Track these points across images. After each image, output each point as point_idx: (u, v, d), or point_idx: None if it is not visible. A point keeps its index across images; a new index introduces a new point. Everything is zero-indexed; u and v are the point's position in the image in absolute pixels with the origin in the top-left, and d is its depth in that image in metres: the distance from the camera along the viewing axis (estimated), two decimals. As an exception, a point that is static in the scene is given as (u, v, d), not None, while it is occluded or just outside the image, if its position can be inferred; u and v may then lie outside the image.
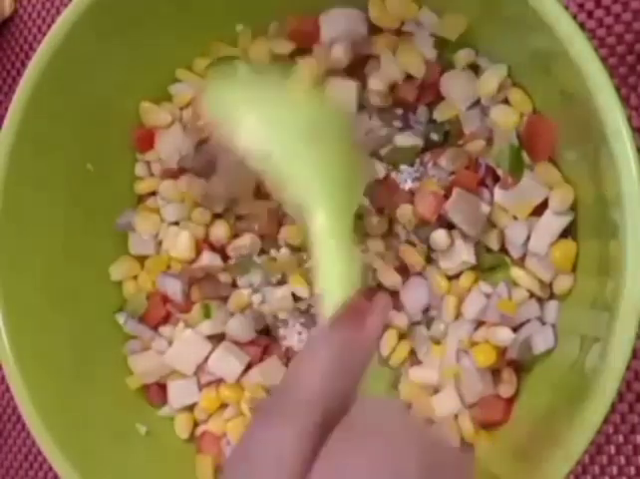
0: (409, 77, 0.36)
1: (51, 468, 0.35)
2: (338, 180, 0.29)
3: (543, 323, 0.34)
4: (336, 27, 0.36)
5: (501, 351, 0.34)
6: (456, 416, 0.35)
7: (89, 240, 0.40)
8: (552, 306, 0.34)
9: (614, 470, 0.35)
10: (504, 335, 0.33)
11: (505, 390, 0.34)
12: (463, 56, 0.35)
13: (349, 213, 0.29)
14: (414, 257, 0.36)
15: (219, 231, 0.39)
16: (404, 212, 0.36)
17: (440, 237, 0.35)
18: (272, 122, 0.29)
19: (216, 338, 0.39)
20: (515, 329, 0.34)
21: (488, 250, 0.36)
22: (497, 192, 0.34)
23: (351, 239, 0.28)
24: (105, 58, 0.38)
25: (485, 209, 0.35)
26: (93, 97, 0.38)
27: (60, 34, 0.35)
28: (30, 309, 0.37)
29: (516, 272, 0.35)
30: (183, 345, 0.39)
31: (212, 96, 0.31)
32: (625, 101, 0.36)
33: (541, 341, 0.33)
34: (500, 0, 0.31)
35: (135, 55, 0.39)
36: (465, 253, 0.35)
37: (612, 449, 0.35)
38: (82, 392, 0.38)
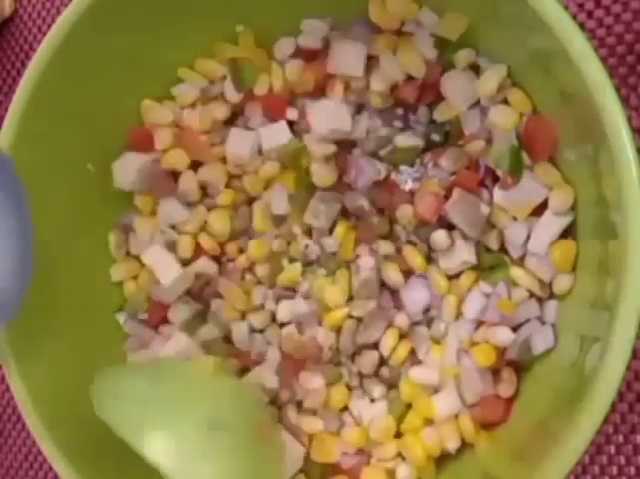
0: (409, 77, 0.36)
1: (51, 468, 0.35)
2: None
3: (543, 323, 0.34)
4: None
5: (502, 352, 0.34)
6: (455, 416, 0.35)
7: (89, 240, 0.40)
8: (552, 306, 0.34)
9: (614, 470, 0.35)
10: (505, 336, 0.33)
11: (505, 390, 0.34)
12: (463, 56, 0.35)
13: None
14: (414, 258, 0.36)
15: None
16: (404, 212, 0.36)
17: (439, 237, 0.35)
18: (173, 427, 0.29)
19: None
20: (515, 329, 0.34)
21: (488, 251, 0.36)
22: (497, 192, 0.34)
23: None
24: (105, 58, 0.38)
25: (485, 209, 0.35)
26: (93, 97, 0.38)
27: (60, 34, 0.35)
28: (30, 309, 0.37)
29: (516, 272, 0.35)
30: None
31: (106, 402, 0.31)
32: (625, 101, 0.36)
33: (541, 342, 0.33)
34: (500, 0, 0.31)
35: (136, 55, 0.38)
36: (465, 254, 0.35)
37: (612, 449, 0.35)
38: (82, 392, 0.37)
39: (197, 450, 0.28)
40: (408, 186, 0.37)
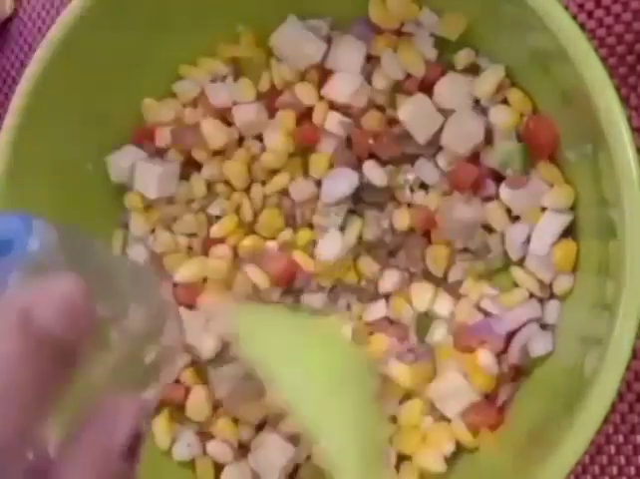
0: (409, 76, 0.36)
1: (51, 468, 0.35)
2: (369, 438, 0.28)
3: (543, 324, 0.34)
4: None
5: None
6: (449, 422, 0.35)
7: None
8: (553, 306, 0.34)
9: (614, 470, 0.35)
10: (486, 359, 0.34)
11: (500, 398, 0.34)
12: (463, 56, 0.35)
13: (378, 470, 0.28)
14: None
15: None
16: (401, 217, 0.36)
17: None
18: (306, 374, 0.28)
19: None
20: (514, 332, 0.34)
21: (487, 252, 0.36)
22: (505, 191, 0.34)
23: None
24: (106, 58, 0.38)
25: (479, 215, 0.35)
26: (93, 97, 0.38)
27: (60, 34, 0.35)
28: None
29: (516, 272, 0.35)
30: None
31: (246, 336, 0.30)
32: (625, 101, 0.36)
33: (541, 344, 0.33)
34: (500, 0, 0.31)
35: (136, 54, 0.38)
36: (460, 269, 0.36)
37: (612, 449, 0.35)
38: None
39: (329, 395, 0.28)
40: (407, 190, 0.37)
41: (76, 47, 0.36)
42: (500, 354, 0.34)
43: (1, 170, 0.36)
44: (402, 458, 0.35)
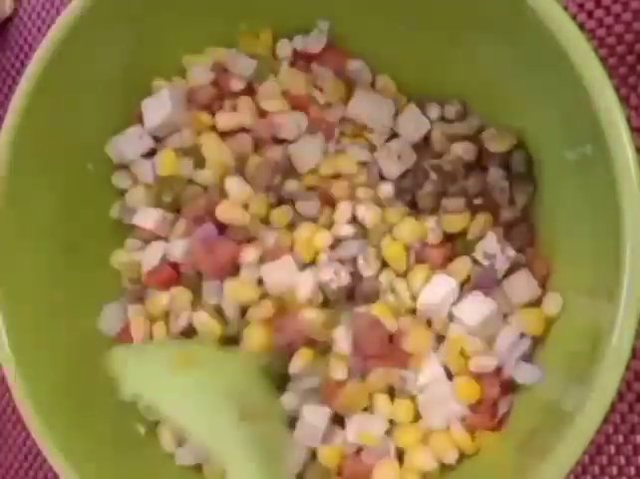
0: None
1: (51, 468, 0.35)
2: (264, 450, 0.29)
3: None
4: None
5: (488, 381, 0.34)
6: (448, 428, 0.35)
7: (89, 240, 0.40)
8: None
9: (614, 470, 0.35)
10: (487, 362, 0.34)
11: (500, 411, 0.34)
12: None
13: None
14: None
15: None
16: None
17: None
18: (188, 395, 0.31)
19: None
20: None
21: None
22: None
23: None
24: (106, 57, 0.38)
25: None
26: (93, 97, 0.38)
27: (60, 34, 0.35)
28: (30, 309, 0.37)
29: None
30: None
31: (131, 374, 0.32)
32: (625, 101, 0.36)
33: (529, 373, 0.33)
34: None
35: (136, 54, 0.39)
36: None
37: (612, 449, 0.35)
38: (82, 392, 0.38)
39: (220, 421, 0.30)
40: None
41: (76, 47, 0.36)
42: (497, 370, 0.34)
43: (1, 170, 0.36)
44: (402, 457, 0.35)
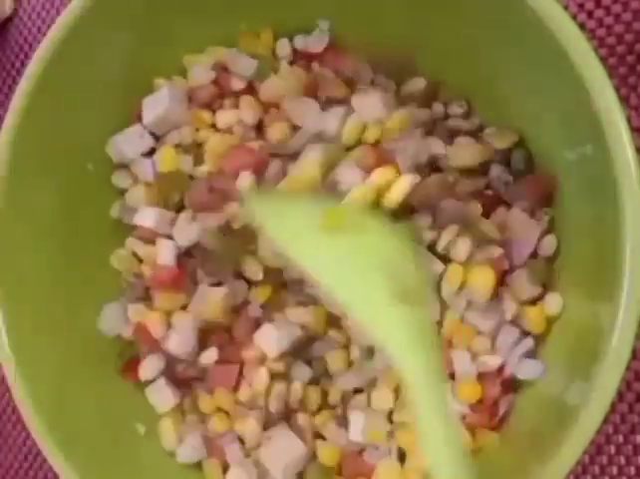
0: None
1: (51, 468, 0.35)
2: (418, 315, 0.26)
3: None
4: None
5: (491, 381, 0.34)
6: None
7: (89, 240, 0.40)
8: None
9: (614, 470, 0.35)
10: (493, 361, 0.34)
11: (500, 410, 0.34)
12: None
13: (434, 355, 0.26)
14: None
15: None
16: None
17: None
18: (337, 254, 0.27)
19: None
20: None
21: None
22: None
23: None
24: (106, 57, 0.38)
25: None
26: (93, 97, 0.38)
27: (60, 34, 0.35)
28: (30, 309, 0.37)
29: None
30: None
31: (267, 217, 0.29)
32: (625, 101, 0.36)
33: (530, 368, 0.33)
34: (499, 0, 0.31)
35: (136, 54, 0.39)
36: None
37: (612, 449, 0.35)
38: (82, 392, 0.38)
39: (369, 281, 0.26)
40: None
41: (76, 47, 0.36)
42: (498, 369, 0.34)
43: (1, 170, 0.36)
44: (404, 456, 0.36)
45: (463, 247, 0.34)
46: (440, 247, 0.34)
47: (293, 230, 0.28)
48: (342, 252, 0.28)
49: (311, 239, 0.28)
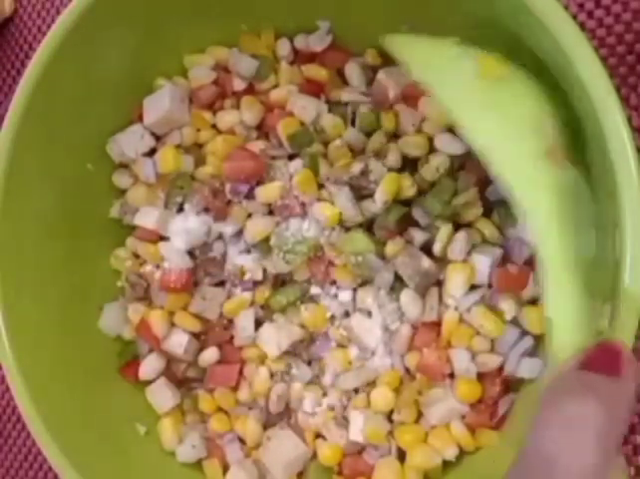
0: None
1: (51, 468, 0.35)
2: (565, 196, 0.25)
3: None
4: None
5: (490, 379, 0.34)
6: (447, 425, 0.35)
7: (90, 240, 0.40)
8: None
9: (614, 470, 0.35)
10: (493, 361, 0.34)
11: (500, 410, 0.34)
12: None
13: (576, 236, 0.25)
14: None
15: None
16: None
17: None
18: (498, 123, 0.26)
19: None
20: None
21: None
22: None
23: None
24: (106, 57, 0.38)
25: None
26: (93, 96, 0.38)
27: (60, 34, 0.35)
28: (30, 309, 0.37)
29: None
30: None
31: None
32: (625, 101, 0.36)
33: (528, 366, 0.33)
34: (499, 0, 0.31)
35: (136, 54, 0.39)
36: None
37: (612, 449, 0.35)
38: (82, 392, 0.38)
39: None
40: None
41: (76, 47, 0.36)
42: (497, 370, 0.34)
43: (1, 170, 0.36)
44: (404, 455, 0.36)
45: (460, 246, 0.34)
46: (437, 249, 0.34)
47: (440, 73, 0.28)
48: (490, 100, 0.27)
49: (459, 85, 0.27)
